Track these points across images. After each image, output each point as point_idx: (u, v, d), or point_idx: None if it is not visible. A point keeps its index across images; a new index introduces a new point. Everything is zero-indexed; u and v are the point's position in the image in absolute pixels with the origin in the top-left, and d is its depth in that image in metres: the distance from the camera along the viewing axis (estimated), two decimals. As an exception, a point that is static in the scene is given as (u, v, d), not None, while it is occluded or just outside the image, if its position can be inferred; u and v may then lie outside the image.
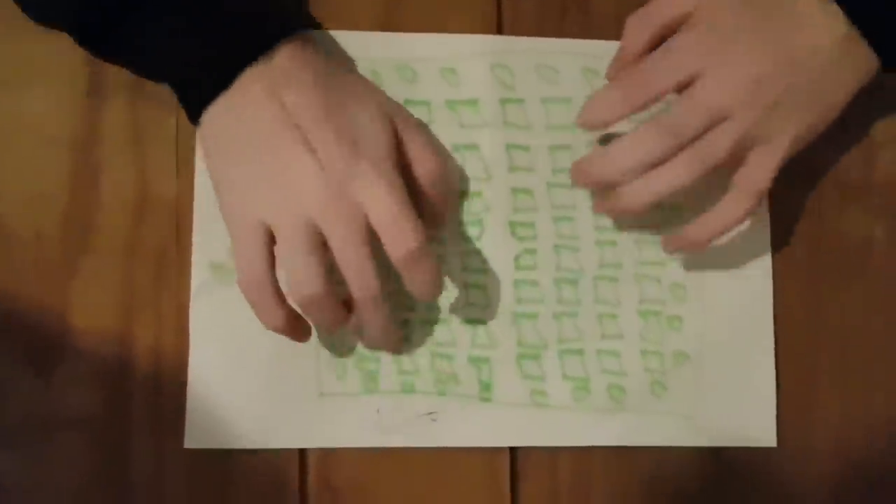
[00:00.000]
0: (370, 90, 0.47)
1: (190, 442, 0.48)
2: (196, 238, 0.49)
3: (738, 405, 0.51)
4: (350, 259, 0.43)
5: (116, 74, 0.50)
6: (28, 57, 0.50)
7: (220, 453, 0.48)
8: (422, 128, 0.45)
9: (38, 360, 0.48)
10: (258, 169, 0.43)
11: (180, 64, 0.44)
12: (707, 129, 0.45)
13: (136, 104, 0.50)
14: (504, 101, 0.52)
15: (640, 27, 0.47)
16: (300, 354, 0.49)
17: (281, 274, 0.44)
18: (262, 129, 0.43)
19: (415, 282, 0.45)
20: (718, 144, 0.45)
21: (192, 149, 0.50)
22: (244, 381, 0.49)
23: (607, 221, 0.51)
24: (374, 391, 0.50)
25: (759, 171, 0.46)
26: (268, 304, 0.44)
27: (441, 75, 0.51)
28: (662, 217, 0.51)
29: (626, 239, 0.51)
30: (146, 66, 0.46)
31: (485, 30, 0.52)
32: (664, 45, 0.46)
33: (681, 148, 0.45)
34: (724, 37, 0.45)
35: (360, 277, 0.43)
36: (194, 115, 0.45)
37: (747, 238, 0.52)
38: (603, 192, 0.48)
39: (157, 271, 0.50)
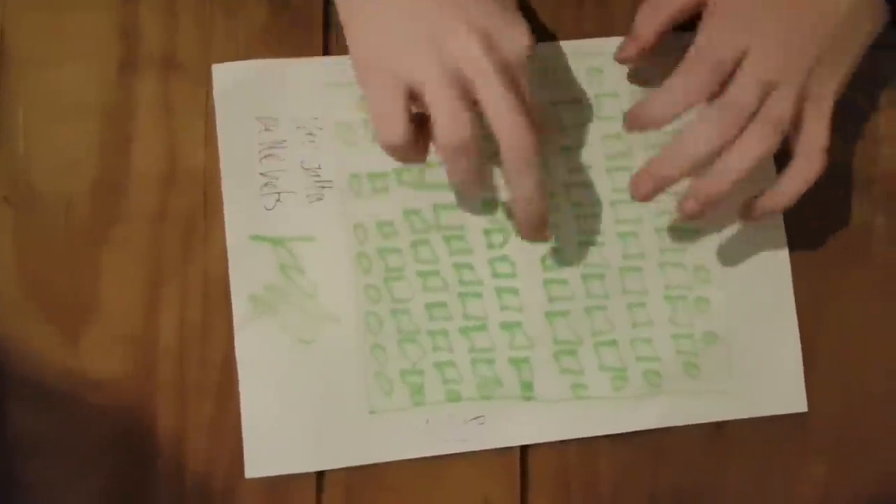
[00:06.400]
0: None
1: (251, 472, 0.49)
2: (233, 269, 0.50)
3: (768, 376, 0.53)
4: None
5: (149, 48, 0.51)
6: (62, 31, 0.51)
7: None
8: None
9: (66, 323, 0.50)
10: (401, 18, 0.44)
11: None
12: (761, 102, 0.46)
13: (167, 77, 0.51)
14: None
15: (653, 14, 0.49)
16: (349, 375, 0.50)
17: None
18: None
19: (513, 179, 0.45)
20: (781, 109, 0.46)
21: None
22: (296, 409, 0.50)
23: (627, 214, 0.53)
24: (421, 403, 0.51)
25: (819, 129, 0.47)
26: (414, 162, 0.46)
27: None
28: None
29: (647, 229, 0.53)
30: None
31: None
32: (696, 43, 0.47)
33: (741, 126, 0.46)
34: (751, 14, 0.47)
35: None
36: None
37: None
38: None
39: (184, 239, 0.51)
